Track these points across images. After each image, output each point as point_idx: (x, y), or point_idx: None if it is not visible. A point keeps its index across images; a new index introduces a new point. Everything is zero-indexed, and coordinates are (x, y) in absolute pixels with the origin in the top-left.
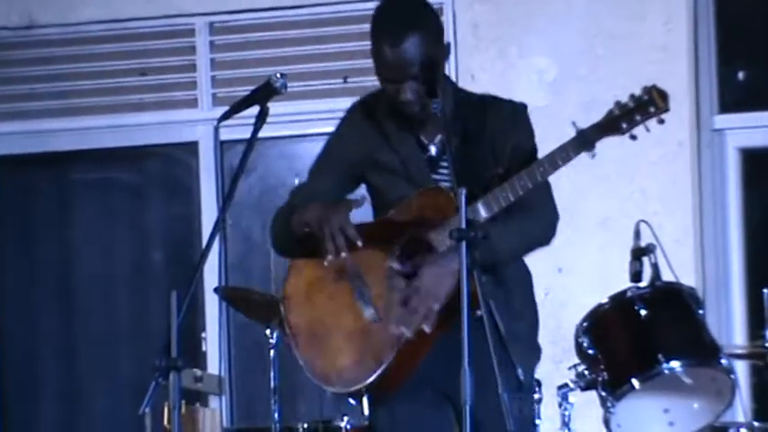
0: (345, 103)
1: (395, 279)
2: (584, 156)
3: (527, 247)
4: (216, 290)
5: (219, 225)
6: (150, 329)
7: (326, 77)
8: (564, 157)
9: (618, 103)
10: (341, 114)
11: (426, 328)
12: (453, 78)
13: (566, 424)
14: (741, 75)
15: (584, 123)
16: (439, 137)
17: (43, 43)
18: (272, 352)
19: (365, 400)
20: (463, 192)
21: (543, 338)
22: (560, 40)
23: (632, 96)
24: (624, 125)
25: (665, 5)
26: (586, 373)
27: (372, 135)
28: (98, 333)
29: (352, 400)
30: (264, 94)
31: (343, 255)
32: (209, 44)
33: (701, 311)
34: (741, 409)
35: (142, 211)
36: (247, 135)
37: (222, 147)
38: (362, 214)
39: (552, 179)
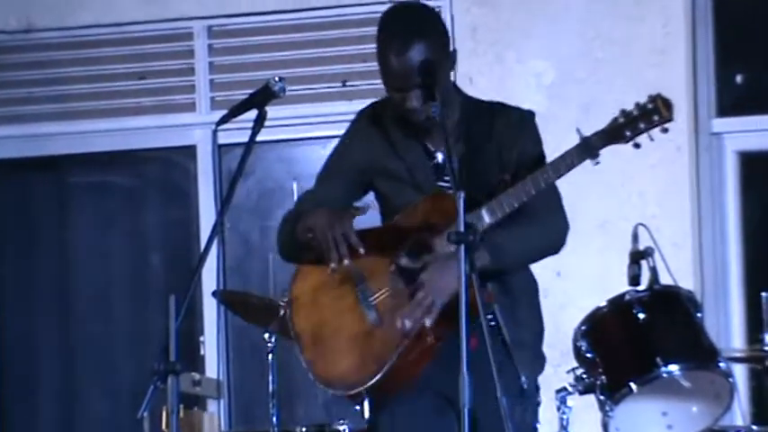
0: (344, 106)
1: (399, 278)
2: (586, 162)
3: (534, 255)
4: (214, 293)
5: (218, 228)
6: (148, 333)
7: (325, 81)
8: (568, 164)
9: (623, 111)
10: (339, 118)
11: (427, 322)
12: None
13: (564, 428)
14: (739, 78)
15: (583, 126)
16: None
17: (41, 47)
18: (270, 356)
19: (366, 404)
20: (461, 195)
21: None
22: (558, 44)
23: (637, 105)
24: (628, 133)
25: (663, 8)
26: (585, 376)
27: (379, 142)
28: (96, 336)
29: (356, 407)
30: (263, 97)
31: (346, 263)
32: (208, 48)
33: (699, 315)
34: (739, 413)
35: (140, 214)
36: (246, 138)
37: (220, 150)
38: (370, 221)
39: None
